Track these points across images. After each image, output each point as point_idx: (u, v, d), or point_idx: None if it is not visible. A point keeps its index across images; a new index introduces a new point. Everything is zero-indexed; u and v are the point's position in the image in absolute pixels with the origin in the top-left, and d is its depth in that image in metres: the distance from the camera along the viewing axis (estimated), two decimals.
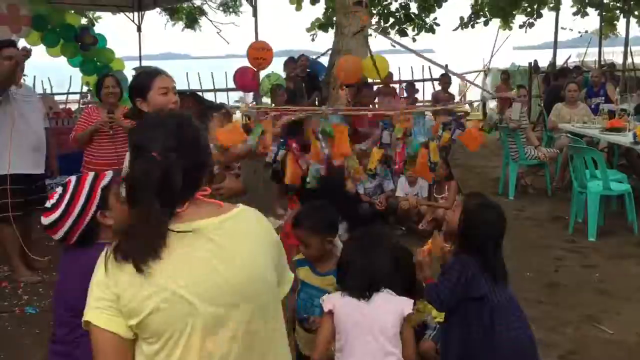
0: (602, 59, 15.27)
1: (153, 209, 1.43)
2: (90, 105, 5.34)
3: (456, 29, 16.66)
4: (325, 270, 2.80)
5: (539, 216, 6.76)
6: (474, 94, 20.80)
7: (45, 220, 2.15)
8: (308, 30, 15.42)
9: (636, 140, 6.08)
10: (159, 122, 1.58)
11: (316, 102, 9.94)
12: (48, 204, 2.17)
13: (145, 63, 10.19)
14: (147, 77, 2.93)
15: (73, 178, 2.22)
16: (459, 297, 2.60)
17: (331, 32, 12.77)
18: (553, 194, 7.55)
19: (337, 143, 3.42)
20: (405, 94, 11.41)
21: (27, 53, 4.48)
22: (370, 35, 14.78)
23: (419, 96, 11.99)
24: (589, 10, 16.78)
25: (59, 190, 2.18)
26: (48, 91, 12.74)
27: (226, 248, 1.48)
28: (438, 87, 10.77)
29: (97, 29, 10.55)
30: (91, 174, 2.25)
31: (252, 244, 1.54)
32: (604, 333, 4.01)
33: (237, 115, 10.73)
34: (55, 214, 2.13)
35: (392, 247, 2.87)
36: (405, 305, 2.48)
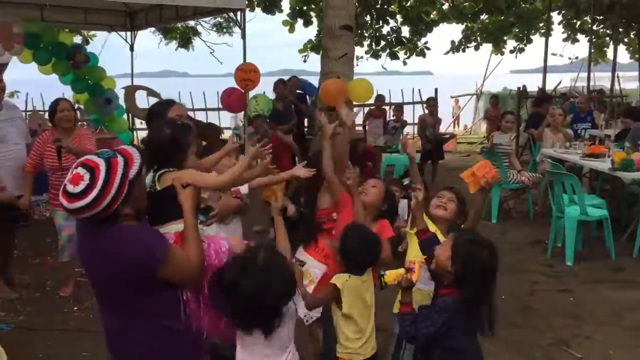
0: (591, 84, 15.44)
1: None
2: (47, 131, 5.16)
3: (447, 52, 16.86)
4: None
5: (519, 240, 6.81)
6: (467, 117, 21.02)
7: (70, 206, 2.07)
8: (300, 51, 15.61)
9: (613, 166, 6.14)
10: None
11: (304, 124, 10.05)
12: (73, 189, 2.07)
13: (140, 81, 10.30)
14: (163, 106, 3.21)
15: (102, 164, 2.11)
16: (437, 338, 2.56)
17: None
18: (534, 218, 7.63)
19: None
20: (393, 116, 11.53)
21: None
22: (361, 58, 15.05)
23: (407, 118, 12.09)
24: (580, 36, 17.03)
25: (86, 176, 2.07)
26: (39, 107, 12.80)
27: None
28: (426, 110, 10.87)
29: (92, 47, 10.68)
30: (121, 161, 2.14)
31: None
32: (572, 356, 4.06)
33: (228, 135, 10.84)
34: (81, 202, 2.06)
35: None
36: None
